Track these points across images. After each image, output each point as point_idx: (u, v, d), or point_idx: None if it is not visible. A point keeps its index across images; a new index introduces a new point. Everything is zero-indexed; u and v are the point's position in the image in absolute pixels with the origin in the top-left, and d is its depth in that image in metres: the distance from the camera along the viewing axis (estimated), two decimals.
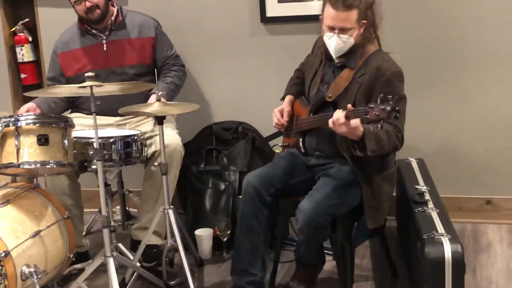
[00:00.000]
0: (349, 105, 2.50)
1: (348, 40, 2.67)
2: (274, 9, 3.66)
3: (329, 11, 2.65)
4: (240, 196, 3.38)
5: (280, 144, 3.15)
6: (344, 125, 2.46)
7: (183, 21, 3.81)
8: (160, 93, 2.97)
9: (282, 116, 2.93)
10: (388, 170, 2.79)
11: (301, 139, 2.90)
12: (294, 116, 2.96)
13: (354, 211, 2.70)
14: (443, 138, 3.60)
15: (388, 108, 2.32)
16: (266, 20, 3.69)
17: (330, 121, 2.51)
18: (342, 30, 2.65)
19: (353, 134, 2.50)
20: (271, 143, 3.55)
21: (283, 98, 3.03)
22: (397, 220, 3.48)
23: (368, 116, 2.40)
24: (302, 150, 2.90)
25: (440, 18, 3.47)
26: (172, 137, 3.27)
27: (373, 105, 2.39)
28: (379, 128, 2.41)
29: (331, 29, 2.67)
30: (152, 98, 3.28)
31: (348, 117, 2.45)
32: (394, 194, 3.13)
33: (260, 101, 3.77)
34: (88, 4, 3.31)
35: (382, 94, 2.39)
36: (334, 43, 2.69)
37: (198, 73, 3.86)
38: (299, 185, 2.82)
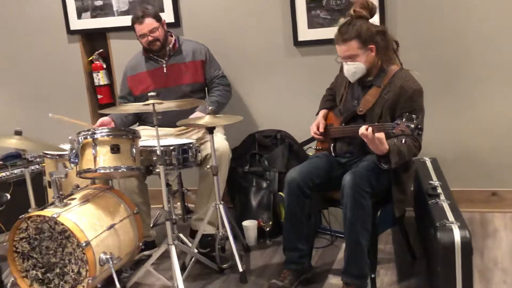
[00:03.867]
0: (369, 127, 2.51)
1: (359, 66, 2.68)
2: (304, 34, 3.66)
3: (336, 46, 2.71)
4: (280, 193, 3.42)
5: (314, 147, 3.14)
6: (370, 138, 2.45)
7: (229, 46, 3.83)
8: (210, 108, 3.00)
9: (318, 129, 2.94)
10: (410, 169, 2.78)
11: (332, 145, 2.90)
12: (328, 125, 2.96)
13: (376, 203, 2.66)
14: (453, 140, 3.54)
15: (412, 126, 2.37)
16: (298, 43, 3.69)
17: (360, 131, 2.48)
18: (349, 58, 2.68)
19: (378, 149, 2.47)
20: (305, 146, 3.56)
21: (317, 113, 3.03)
22: (414, 211, 3.43)
23: (394, 131, 2.43)
24: (333, 153, 2.89)
25: (452, 37, 3.42)
26: (221, 142, 3.28)
27: (399, 122, 2.41)
28: (402, 142, 2.44)
29: (342, 59, 2.71)
30: (196, 114, 3.31)
31: (373, 131, 2.44)
32: (412, 189, 3.10)
33: (294, 111, 3.77)
34: (150, 38, 3.38)
35: (407, 113, 2.41)
36: (346, 70, 2.73)
37: (242, 89, 3.88)
38: (333, 180, 2.78)
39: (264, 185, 3.52)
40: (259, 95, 3.87)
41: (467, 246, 2.36)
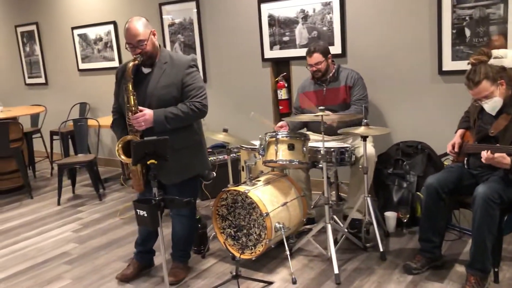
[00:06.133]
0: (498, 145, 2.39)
1: (496, 100, 2.45)
2: (448, 65, 3.43)
3: (469, 90, 2.49)
4: (418, 193, 3.26)
5: (450, 159, 2.95)
6: (492, 159, 2.34)
7: (383, 72, 3.73)
8: (365, 121, 2.96)
9: (453, 147, 2.77)
10: None
11: (466, 159, 2.70)
12: (464, 141, 2.76)
13: (503, 209, 2.42)
14: None
15: None
16: (442, 73, 3.47)
17: (483, 159, 2.37)
18: (486, 98, 2.46)
19: (502, 163, 2.33)
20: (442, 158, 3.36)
21: (456, 131, 2.85)
22: None
23: None
24: (466, 166, 2.69)
25: None
26: (369, 149, 3.22)
27: None
28: None
29: (479, 99, 2.49)
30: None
31: (493, 153, 2.33)
32: None
33: (435, 127, 3.56)
34: (314, 68, 3.40)
35: None
36: (487, 107, 2.51)
37: (392, 107, 3.76)
38: (465, 187, 2.62)
39: (404, 185, 3.38)
40: (405, 112, 3.71)
41: None
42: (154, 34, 2.63)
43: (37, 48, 6.20)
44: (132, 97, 2.55)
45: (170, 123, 2.56)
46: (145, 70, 2.65)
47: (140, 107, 2.56)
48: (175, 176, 2.65)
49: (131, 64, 2.55)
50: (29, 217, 4.19)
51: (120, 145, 2.55)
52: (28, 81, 6.49)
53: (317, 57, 3.38)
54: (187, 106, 2.59)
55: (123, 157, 2.53)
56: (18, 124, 4.81)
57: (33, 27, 6.14)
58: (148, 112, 2.54)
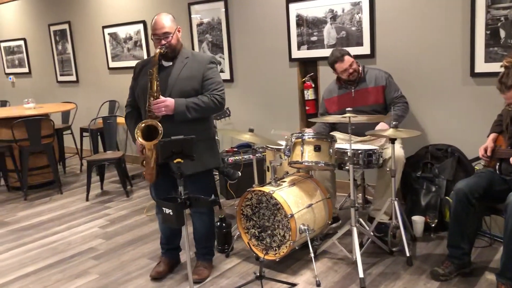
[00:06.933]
0: None
1: None
2: (481, 67, 3.33)
3: (501, 94, 2.41)
4: (447, 197, 3.18)
5: (482, 164, 2.87)
6: None
7: (413, 73, 3.66)
8: (394, 123, 2.91)
9: (485, 151, 2.69)
10: None
11: (498, 164, 2.61)
12: (496, 146, 2.67)
13: None
14: None
15: None
16: (474, 75, 3.38)
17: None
18: None
19: None
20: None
21: (488, 135, 2.76)
22: None
23: None
24: (498, 172, 2.60)
25: None
26: (398, 151, 3.16)
27: None
28: None
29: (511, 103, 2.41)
30: (381, 125, 3.21)
31: None
32: None
33: (466, 131, 3.46)
34: (350, 70, 3.36)
35: None
36: None
37: (421, 109, 3.68)
38: (497, 193, 2.54)
39: (433, 189, 3.30)
40: (435, 115, 3.62)
41: None
42: (179, 31, 2.70)
43: (69, 46, 6.34)
44: (155, 82, 2.58)
45: (191, 112, 2.59)
46: (166, 64, 2.68)
47: (161, 96, 2.59)
48: (187, 168, 2.62)
49: (158, 50, 2.60)
50: (58, 212, 4.30)
51: (142, 125, 2.57)
52: (60, 78, 6.65)
53: (348, 59, 3.36)
54: (208, 97, 2.63)
55: (140, 139, 2.56)
56: (49, 121, 4.93)
57: (66, 26, 6.29)
58: (169, 99, 2.57)
